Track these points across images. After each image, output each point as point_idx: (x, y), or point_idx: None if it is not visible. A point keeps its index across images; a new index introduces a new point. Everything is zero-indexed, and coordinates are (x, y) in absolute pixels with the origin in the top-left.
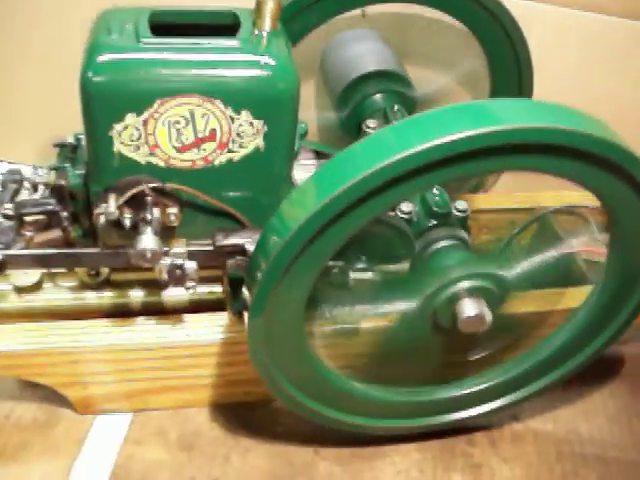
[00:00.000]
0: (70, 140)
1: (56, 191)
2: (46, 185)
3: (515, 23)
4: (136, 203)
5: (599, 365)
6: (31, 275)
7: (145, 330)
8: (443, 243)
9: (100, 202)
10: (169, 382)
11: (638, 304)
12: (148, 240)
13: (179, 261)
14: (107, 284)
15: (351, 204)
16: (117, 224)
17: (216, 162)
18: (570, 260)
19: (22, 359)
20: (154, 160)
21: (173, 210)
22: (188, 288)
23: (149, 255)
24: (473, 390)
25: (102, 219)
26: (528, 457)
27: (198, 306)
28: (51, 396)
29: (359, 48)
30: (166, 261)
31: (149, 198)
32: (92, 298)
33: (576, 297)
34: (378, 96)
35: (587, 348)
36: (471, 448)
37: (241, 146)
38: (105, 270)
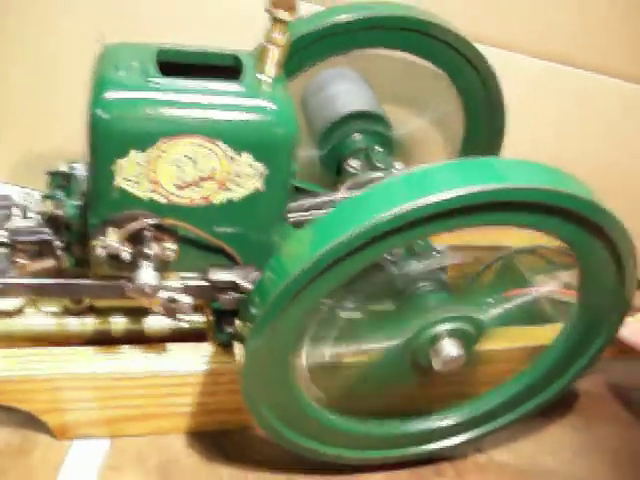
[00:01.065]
0: (63, 169)
1: (52, 220)
2: (42, 214)
3: (491, 70)
4: (134, 237)
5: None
6: (13, 300)
7: (130, 359)
8: (424, 284)
9: (99, 235)
10: (149, 410)
11: (604, 343)
12: (148, 275)
13: (174, 295)
14: (90, 310)
15: (347, 254)
16: (114, 256)
17: (215, 201)
18: (534, 299)
19: (2, 385)
20: (155, 196)
21: (171, 245)
22: (179, 320)
23: (148, 290)
24: (445, 423)
25: (101, 251)
26: None
27: (179, 335)
28: (26, 421)
29: (339, 88)
30: (162, 295)
31: (148, 233)
32: (74, 324)
33: (542, 335)
34: (358, 136)
35: (554, 385)
36: (439, 478)
37: (240, 186)
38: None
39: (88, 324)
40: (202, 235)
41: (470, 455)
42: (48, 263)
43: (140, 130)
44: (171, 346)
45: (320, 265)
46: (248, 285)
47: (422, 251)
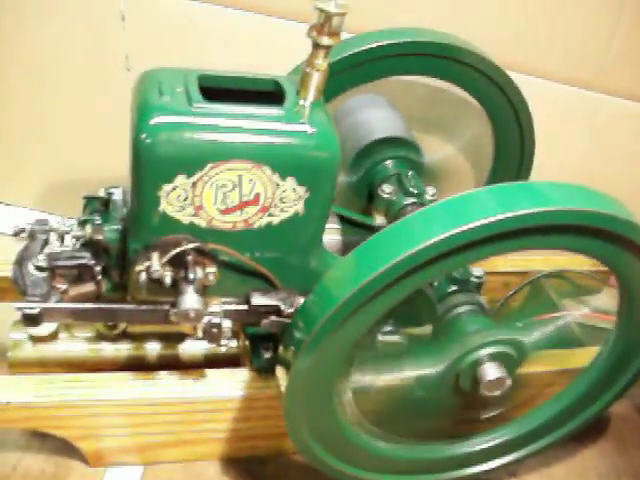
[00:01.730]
0: (101, 194)
1: (91, 245)
2: (80, 238)
3: (522, 97)
4: (175, 261)
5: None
6: (47, 325)
7: (167, 385)
8: (463, 308)
9: (140, 259)
10: (183, 436)
11: None
12: (192, 300)
13: (216, 320)
14: (124, 336)
15: (397, 279)
16: (155, 281)
17: (256, 225)
18: (566, 323)
19: (38, 411)
20: (196, 220)
21: (211, 269)
22: (220, 345)
23: (192, 315)
24: (482, 447)
25: (143, 276)
26: None
27: (213, 360)
28: (60, 447)
29: (370, 114)
30: (204, 319)
31: (190, 257)
32: (109, 350)
33: (576, 359)
34: (389, 162)
35: (591, 407)
36: None
37: (282, 210)
38: (123, 323)
39: (122, 350)
40: (242, 259)
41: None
42: (87, 288)
43: (188, 155)
44: (209, 372)
45: (370, 290)
46: (290, 309)
47: (459, 275)
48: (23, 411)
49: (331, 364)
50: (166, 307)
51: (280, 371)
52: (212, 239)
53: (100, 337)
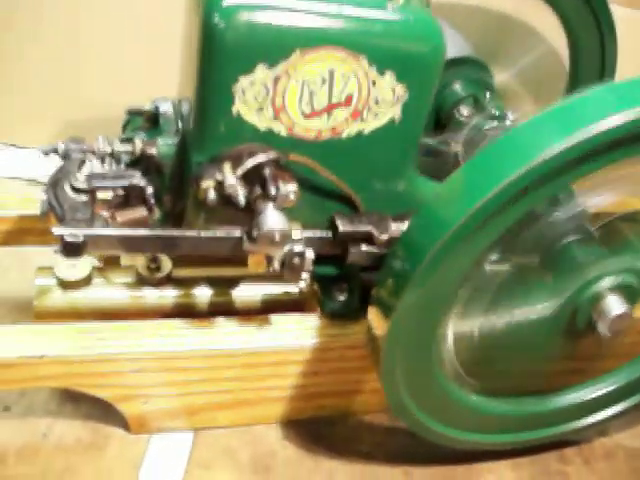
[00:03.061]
0: (148, 107)
1: (141, 163)
2: (128, 155)
3: (612, 25)
4: (250, 177)
5: None
6: (79, 268)
7: (226, 333)
8: (574, 237)
9: (207, 173)
10: (242, 395)
11: None
12: (275, 219)
13: (298, 248)
14: (168, 280)
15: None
16: (225, 200)
17: (344, 134)
18: None
19: (75, 367)
20: (276, 127)
21: (292, 187)
22: (303, 280)
23: (277, 237)
24: (575, 402)
25: (211, 194)
26: (624, 477)
27: (271, 308)
28: (98, 411)
29: None
30: (285, 248)
31: (268, 171)
32: (152, 296)
33: None
34: (459, 84)
35: None
36: (565, 466)
37: (376, 116)
38: (167, 265)
39: (167, 297)
40: (326, 176)
41: (595, 439)
42: (138, 213)
43: (271, 39)
44: (273, 318)
45: (490, 208)
46: (384, 236)
47: (566, 203)
48: (57, 366)
49: (439, 300)
50: (238, 233)
51: (375, 313)
52: (293, 151)
53: (141, 282)
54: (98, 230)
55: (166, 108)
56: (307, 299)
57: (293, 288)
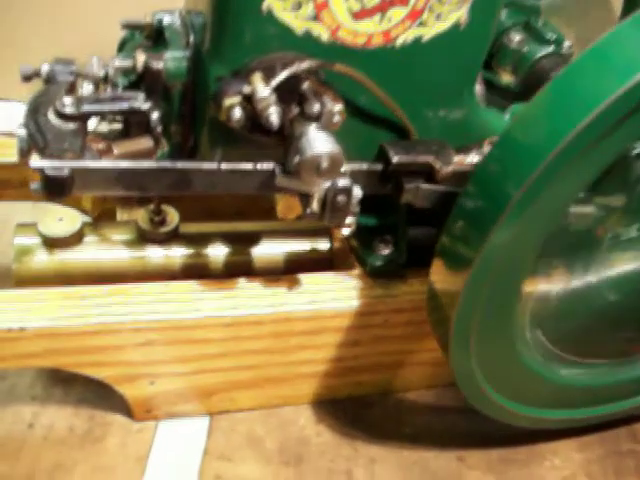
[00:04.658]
0: (148, 20)
1: (146, 83)
2: (129, 77)
3: None
4: (284, 93)
5: None
6: (67, 223)
7: (250, 296)
8: None
9: (230, 89)
10: (267, 371)
11: None
12: (322, 141)
13: (344, 183)
14: (175, 237)
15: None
16: (253, 122)
17: (398, 41)
18: None
19: (64, 341)
20: (315, 30)
21: (337, 106)
22: (347, 226)
23: (326, 163)
24: None
25: (237, 113)
26: None
27: (296, 268)
28: (93, 395)
29: None
30: (325, 183)
31: (307, 85)
32: (156, 256)
33: None
34: (506, 9)
35: None
36: (638, 445)
37: (438, 18)
38: (174, 218)
39: (175, 256)
40: (377, 95)
41: None
42: (142, 144)
43: None
44: (304, 278)
45: (611, 118)
46: (448, 169)
47: None
48: (41, 341)
49: (528, 246)
50: (268, 165)
51: (443, 267)
52: (335, 60)
53: (143, 239)
54: (88, 162)
55: (172, 19)
56: (339, 257)
57: (322, 244)
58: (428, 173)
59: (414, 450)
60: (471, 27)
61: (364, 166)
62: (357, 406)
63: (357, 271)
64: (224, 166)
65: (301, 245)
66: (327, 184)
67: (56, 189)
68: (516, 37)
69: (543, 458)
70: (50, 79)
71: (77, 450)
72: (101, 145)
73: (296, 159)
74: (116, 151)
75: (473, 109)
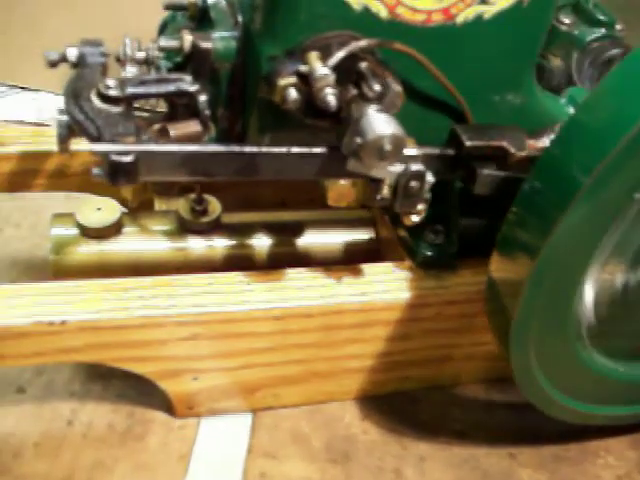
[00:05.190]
0: None
1: (192, 65)
2: (173, 58)
3: None
4: (341, 73)
5: None
6: (105, 213)
7: (301, 288)
8: None
9: (285, 69)
10: (314, 366)
11: None
12: (383, 122)
13: (417, 167)
14: (217, 227)
15: None
16: (308, 103)
17: (459, 19)
18: None
19: (106, 335)
20: (374, 6)
21: (397, 88)
22: (417, 213)
23: (389, 145)
24: None
25: (293, 93)
26: None
27: (342, 256)
28: (130, 391)
29: None
30: (397, 167)
31: (366, 65)
32: (198, 246)
33: None
34: None
35: None
36: None
37: None
38: (216, 207)
39: (218, 247)
40: (435, 76)
41: None
42: (191, 128)
43: None
44: (355, 269)
45: None
46: (522, 153)
47: None
48: (83, 335)
49: (596, 232)
50: (325, 149)
51: (504, 256)
52: (394, 39)
53: (184, 229)
54: (154, 146)
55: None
56: (385, 246)
57: (368, 233)
58: (501, 158)
59: (464, 447)
60: (535, 3)
61: (435, 150)
62: (403, 401)
63: (407, 262)
64: (295, 150)
65: (346, 235)
66: (399, 168)
67: (122, 175)
68: (566, 19)
69: (596, 456)
70: (80, 62)
71: (117, 448)
72: (156, 127)
73: (357, 141)
74: (172, 132)
75: (532, 93)
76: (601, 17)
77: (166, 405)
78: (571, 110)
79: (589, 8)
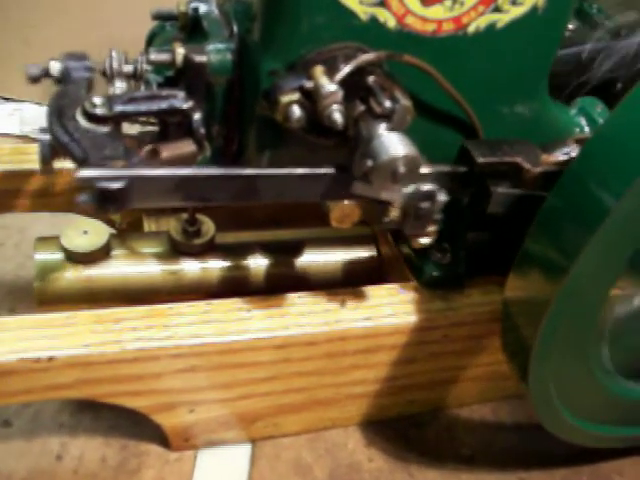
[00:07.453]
0: (182, 9)
1: (188, 76)
2: (158, 65)
3: None
4: (347, 89)
5: None
6: (93, 236)
7: (304, 313)
8: None
9: (286, 84)
10: (316, 394)
11: None
12: (396, 142)
13: (428, 187)
14: (211, 249)
15: None
16: (312, 121)
17: (471, 28)
18: None
19: (97, 370)
20: (382, 16)
21: (406, 102)
22: (427, 235)
23: (403, 168)
24: None
25: (296, 111)
26: None
27: (343, 276)
28: (122, 422)
29: None
30: (407, 188)
31: (373, 79)
32: (191, 269)
33: None
34: None
35: None
36: None
37: (514, 3)
38: (210, 227)
39: (212, 269)
40: (445, 89)
41: None
42: (185, 148)
43: None
44: (357, 291)
45: None
46: (538, 169)
47: None
48: (72, 371)
49: (617, 258)
50: (330, 170)
51: (525, 276)
52: (402, 51)
53: (176, 251)
54: (146, 170)
55: (209, 7)
56: (388, 265)
57: (369, 252)
58: (515, 175)
59: (472, 473)
60: (550, 9)
61: (446, 168)
62: (408, 425)
63: (413, 282)
64: (298, 171)
65: (346, 253)
66: (409, 189)
67: (111, 202)
68: (569, 25)
69: (608, 478)
70: (64, 78)
71: None
72: (147, 148)
73: (368, 164)
74: (164, 154)
75: (545, 104)
76: (604, 23)
77: (160, 436)
78: (582, 121)
79: (592, 13)
